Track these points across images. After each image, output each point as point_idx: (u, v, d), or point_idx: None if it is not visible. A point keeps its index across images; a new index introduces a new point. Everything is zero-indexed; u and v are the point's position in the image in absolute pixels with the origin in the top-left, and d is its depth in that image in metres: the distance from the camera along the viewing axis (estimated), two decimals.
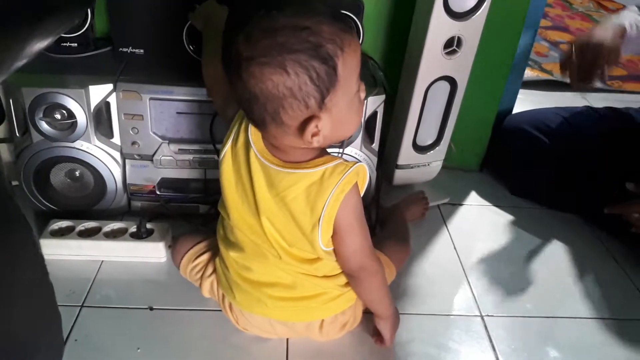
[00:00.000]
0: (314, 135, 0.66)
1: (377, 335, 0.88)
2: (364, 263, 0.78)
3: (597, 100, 1.79)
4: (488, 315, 0.98)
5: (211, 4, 0.93)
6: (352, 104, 0.68)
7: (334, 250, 0.77)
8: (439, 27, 1.02)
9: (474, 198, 1.31)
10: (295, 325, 0.85)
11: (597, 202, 1.19)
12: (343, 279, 0.82)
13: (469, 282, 1.05)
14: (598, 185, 1.18)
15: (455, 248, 1.13)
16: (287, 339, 0.89)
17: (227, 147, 0.76)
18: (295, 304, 0.81)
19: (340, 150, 1.03)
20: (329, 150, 0.81)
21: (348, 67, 0.64)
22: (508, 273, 1.09)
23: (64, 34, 1.03)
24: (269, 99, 0.63)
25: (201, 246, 0.94)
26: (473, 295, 1.02)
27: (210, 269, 0.91)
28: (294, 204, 0.71)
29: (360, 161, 0.71)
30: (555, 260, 1.13)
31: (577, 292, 1.06)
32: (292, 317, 0.83)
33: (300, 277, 0.79)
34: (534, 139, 1.27)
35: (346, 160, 0.72)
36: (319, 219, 0.71)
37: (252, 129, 0.74)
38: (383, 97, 1.05)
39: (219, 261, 0.87)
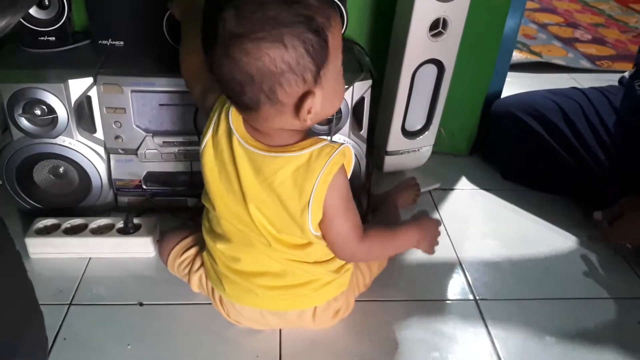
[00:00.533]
0: (309, 112, 0.65)
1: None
2: (354, 250, 0.77)
3: (587, 81, 1.77)
4: (482, 299, 0.97)
5: None
6: (339, 78, 0.69)
7: (324, 237, 0.76)
8: (424, 8, 1.01)
9: (465, 182, 1.30)
10: (287, 314, 0.84)
11: (589, 184, 1.19)
12: (334, 265, 0.81)
13: (462, 267, 1.05)
14: (589, 166, 1.17)
15: (447, 233, 1.12)
16: (280, 330, 0.88)
17: (208, 137, 0.75)
18: (285, 292, 0.80)
19: (329, 137, 1.02)
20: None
21: (336, 40, 0.64)
22: (501, 256, 1.08)
23: (41, 27, 1.01)
24: (266, 77, 0.62)
25: (187, 241, 0.93)
26: (467, 279, 1.02)
27: (197, 264, 0.90)
28: (282, 189, 0.70)
29: (345, 143, 0.70)
30: (548, 243, 1.13)
31: (571, 274, 1.05)
32: (283, 306, 0.82)
33: (290, 265, 0.78)
34: (523, 123, 1.25)
35: (332, 142, 0.71)
36: (308, 202, 0.70)
37: (233, 116, 0.72)
38: (370, 82, 1.04)
39: (207, 255, 0.86)
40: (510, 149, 1.30)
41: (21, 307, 0.55)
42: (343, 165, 0.71)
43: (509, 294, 0.99)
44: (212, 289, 0.87)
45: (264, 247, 0.77)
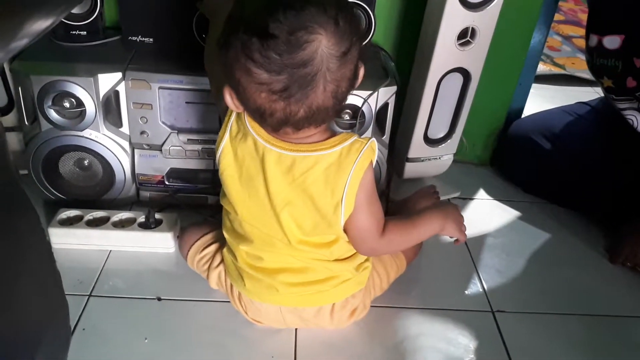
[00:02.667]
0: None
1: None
2: (374, 245, 0.78)
3: None
4: (499, 311, 0.97)
5: None
6: None
7: (346, 231, 0.75)
8: (453, 17, 1.00)
9: (485, 193, 1.29)
10: (305, 311, 0.84)
11: (607, 203, 1.18)
12: (355, 262, 0.81)
13: (480, 277, 1.04)
14: (606, 186, 1.17)
15: (466, 243, 1.12)
16: (296, 332, 0.88)
17: (225, 142, 0.74)
18: (306, 289, 0.81)
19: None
20: None
21: None
22: (520, 269, 1.07)
23: (73, 22, 1.03)
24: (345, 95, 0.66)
25: (208, 237, 0.93)
26: (484, 290, 1.01)
27: (217, 260, 0.90)
28: (314, 187, 0.70)
29: (372, 138, 0.71)
30: (568, 257, 1.11)
31: (590, 290, 1.04)
32: (303, 302, 0.83)
33: (312, 263, 0.79)
34: (539, 148, 1.25)
35: (359, 137, 0.71)
36: (342, 199, 0.70)
37: (248, 119, 0.72)
38: (395, 88, 1.04)
39: (227, 251, 0.86)
40: (528, 170, 1.29)
41: (49, 296, 0.55)
42: (371, 161, 0.71)
43: (527, 307, 0.98)
44: (231, 286, 0.87)
45: (285, 247, 0.77)
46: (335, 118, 0.72)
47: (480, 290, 1.01)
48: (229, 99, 0.67)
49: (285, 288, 0.80)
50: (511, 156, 1.33)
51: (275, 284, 0.80)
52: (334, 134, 0.72)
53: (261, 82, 0.61)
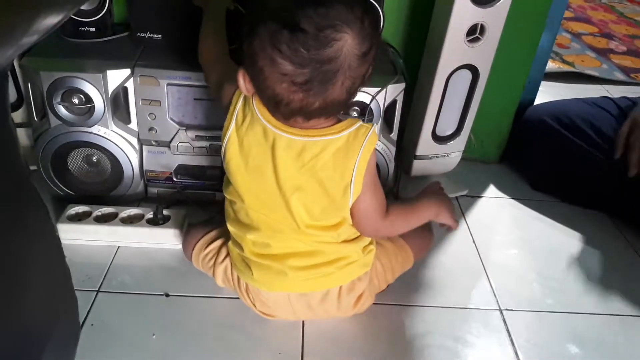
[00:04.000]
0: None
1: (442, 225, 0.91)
2: (377, 226, 0.80)
3: (621, 93, 1.73)
4: (507, 309, 0.96)
5: None
6: None
7: (351, 214, 0.77)
8: (462, 13, 1.00)
9: (493, 190, 1.29)
10: (312, 298, 0.84)
11: (621, 198, 1.17)
12: (361, 244, 0.83)
13: (487, 275, 1.04)
14: (621, 179, 1.15)
15: (473, 240, 1.12)
16: (303, 329, 0.88)
17: (231, 131, 0.75)
18: (314, 272, 0.81)
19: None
20: None
21: None
22: (528, 267, 1.07)
23: (82, 18, 1.03)
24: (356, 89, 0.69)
25: (212, 234, 0.94)
26: (492, 288, 1.01)
27: (222, 255, 0.90)
28: (323, 171, 0.72)
29: (374, 123, 0.76)
30: (576, 255, 1.11)
31: (598, 288, 1.03)
32: (311, 286, 0.83)
33: (320, 246, 0.80)
34: (555, 132, 1.24)
35: (363, 122, 0.73)
36: (351, 181, 0.72)
37: (258, 107, 0.73)
38: (403, 85, 1.03)
39: (232, 244, 0.86)
40: (541, 157, 1.28)
41: (59, 291, 0.56)
42: (375, 145, 0.74)
43: (535, 305, 0.98)
44: (238, 279, 0.87)
45: (293, 232, 0.78)
46: (343, 111, 0.73)
47: (488, 288, 1.01)
48: (242, 82, 0.69)
49: (294, 272, 0.81)
50: (523, 143, 1.32)
51: (284, 268, 0.81)
52: (339, 120, 0.74)
53: (285, 72, 0.63)
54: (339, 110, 0.70)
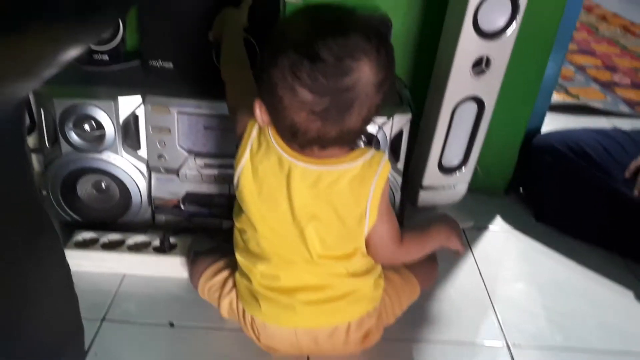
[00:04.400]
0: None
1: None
2: (394, 252, 0.81)
3: (626, 126, 1.74)
4: (515, 345, 0.95)
5: (227, 11, 0.95)
6: None
7: (366, 241, 0.78)
8: (468, 46, 1.01)
9: (499, 222, 1.28)
10: (320, 334, 0.83)
11: (630, 233, 1.16)
12: (372, 278, 0.82)
13: (494, 310, 1.02)
14: (631, 213, 1.15)
15: (480, 273, 1.11)
16: None
17: (245, 160, 0.76)
18: (323, 307, 0.81)
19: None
20: None
21: None
22: (535, 302, 1.06)
23: (96, 46, 1.05)
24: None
25: (218, 265, 0.93)
26: (499, 323, 0.99)
27: (228, 287, 0.90)
28: (339, 199, 0.73)
29: (384, 151, 0.79)
30: (584, 290, 1.10)
31: (607, 325, 1.01)
32: (319, 321, 0.82)
33: (330, 278, 0.79)
34: (564, 158, 1.24)
35: (376, 150, 0.75)
36: (366, 209, 0.73)
37: (274, 136, 0.73)
38: (409, 116, 1.04)
39: (239, 275, 0.86)
40: (549, 185, 1.28)
41: (68, 319, 0.56)
42: (389, 173, 0.75)
43: (543, 341, 0.97)
44: (243, 312, 0.87)
45: (304, 263, 0.78)
46: (357, 141, 0.76)
47: (495, 322, 1.00)
48: (258, 112, 0.70)
49: (303, 307, 0.80)
50: (533, 169, 1.31)
51: (293, 302, 0.80)
52: (352, 149, 0.75)
53: (304, 101, 0.64)
54: (354, 139, 0.72)
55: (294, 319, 0.81)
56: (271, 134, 0.74)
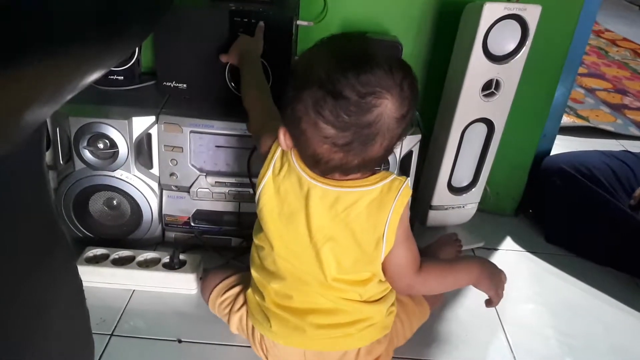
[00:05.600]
0: None
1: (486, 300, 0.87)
2: (410, 281, 0.79)
3: (636, 148, 1.74)
4: None
5: (244, 40, 0.98)
6: None
7: (383, 267, 0.77)
8: (478, 69, 1.03)
9: (509, 243, 1.28)
10: (330, 357, 0.82)
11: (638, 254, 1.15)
12: (385, 305, 0.81)
13: (504, 331, 1.02)
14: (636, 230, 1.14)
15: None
16: None
17: (267, 178, 0.77)
18: (334, 331, 0.80)
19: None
20: None
21: None
22: (546, 323, 1.05)
23: (113, 67, 1.08)
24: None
25: (230, 280, 0.94)
26: (509, 344, 0.99)
27: (239, 303, 0.90)
28: (356, 222, 0.73)
29: (407, 178, 0.76)
30: (594, 312, 1.09)
31: (618, 347, 1.00)
32: (329, 345, 0.81)
33: (343, 303, 0.79)
34: (574, 180, 1.24)
35: (397, 175, 0.75)
36: (383, 233, 0.73)
37: (296, 157, 0.74)
38: (419, 137, 1.05)
39: (252, 292, 0.86)
40: (558, 207, 1.28)
41: (78, 334, 0.56)
42: (409, 198, 0.75)
43: None
44: (252, 329, 0.87)
45: (319, 285, 0.77)
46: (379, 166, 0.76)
47: (505, 343, 0.99)
48: (282, 139, 0.71)
49: (313, 330, 0.80)
50: (543, 191, 1.31)
51: (303, 324, 0.80)
52: (373, 172, 0.75)
53: (327, 136, 0.65)
54: (376, 165, 0.72)
55: (303, 340, 0.81)
56: (293, 156, 0.75)
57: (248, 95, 0.91)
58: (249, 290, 0.87)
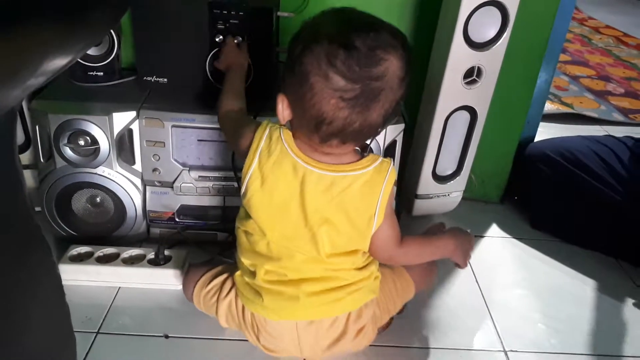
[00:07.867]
0: None
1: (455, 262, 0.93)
2: (392, 253, 0.83)
3: (620, 134, 1.75)
4: (512, 351, 0.95)
5: (233, 52, 0.99)
6: None
7: (370, 241, 0.80)
8: (459, 56, 1.03)
9: (495, 230, 1.29)
10: (321, 324, 0.83)
11: (627, 239, 1.16)
12: (370, 270, 0.84)
13: (491, 316, 1.02)
14: (625, 219, 1.15)
15: (477, 281, 1.11)
16: None
17: (253, 169, 0.76)
18: (326, 297, 0.81)
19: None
20: None
21: None
22: (532, 307, 1.06)
23: (91, 63, 1.07)
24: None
25: (213, 271, 0.93)
26: (496, 329, 0.99)
27: (226, 289, 0.89)
28: (351, 204, 0.76)
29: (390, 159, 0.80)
30: (580, 296, 1.10)
31: (603, 329, 1.02)
32: (320, 312, 0.82)
33: (335, 272, 0.81)
34: (558, 165, 1.24)
35: (383, 158, 0.79)
36: (375, 212, 0.76)
37: (288, 144, 0.75)
38: (402, 126, 1.05)
39: (240, 275, 0.86)
40: (543, 193, 1.28)
41: (58, 328, 0.56)
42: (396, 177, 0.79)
43: (540, 346, 0.96)
44: (243, 310, 0.86)
45: (312, 260, 0.79)
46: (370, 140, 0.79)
47: (492, 328, 0.99)
48: (280, 107, 0.73)
49: (307, 297, 0.81)
50: (525, 180, 1.32)
51: (298, 293, 0.81)
52: (362, 156, 0.78)
53: (337, 88, 0.67)
54: (371, 136, 0.75)
55: (295, 310, 0.82)
56: (285, 141, 0.75)
57: (228, 94, 0.92)
58: (237, 273, 0.86)
